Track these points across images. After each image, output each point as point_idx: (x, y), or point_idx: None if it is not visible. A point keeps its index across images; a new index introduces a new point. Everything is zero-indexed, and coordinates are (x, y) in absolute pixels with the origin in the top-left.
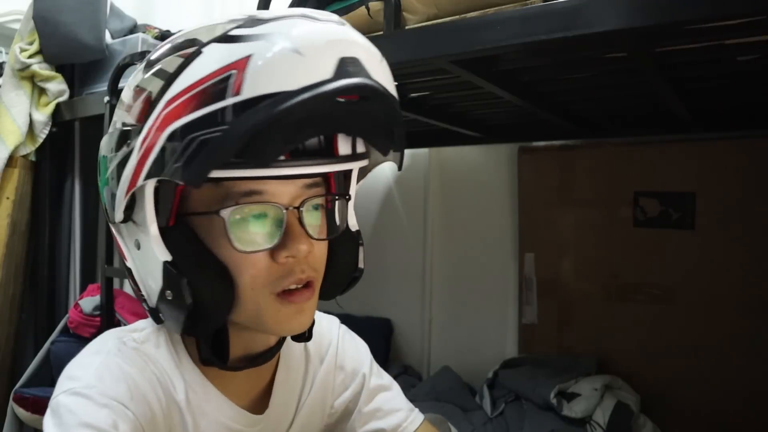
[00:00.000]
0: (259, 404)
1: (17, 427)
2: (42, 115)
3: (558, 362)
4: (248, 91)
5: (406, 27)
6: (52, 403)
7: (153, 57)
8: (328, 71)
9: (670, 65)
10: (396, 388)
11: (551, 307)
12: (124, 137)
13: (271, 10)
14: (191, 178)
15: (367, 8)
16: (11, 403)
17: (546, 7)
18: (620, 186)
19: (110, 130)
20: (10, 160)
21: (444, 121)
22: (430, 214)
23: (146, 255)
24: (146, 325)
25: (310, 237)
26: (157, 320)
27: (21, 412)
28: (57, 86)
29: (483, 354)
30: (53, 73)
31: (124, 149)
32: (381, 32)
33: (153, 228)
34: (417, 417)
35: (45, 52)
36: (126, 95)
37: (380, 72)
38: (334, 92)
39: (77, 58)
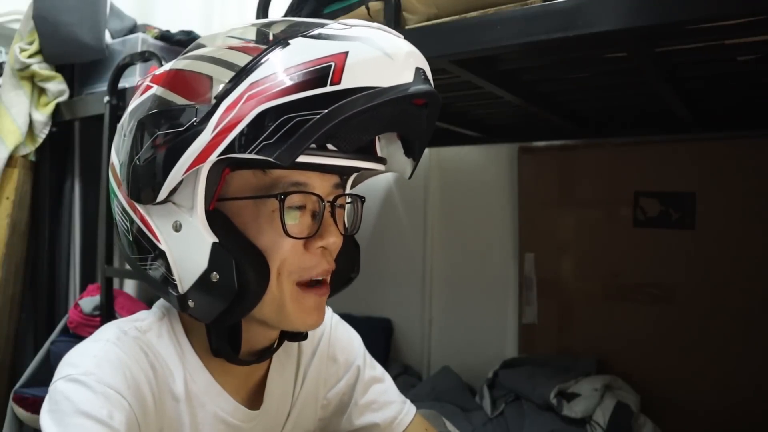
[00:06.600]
0: (255, 399)
1: (17, 427)
2: (42, 115)
3: (558, 362)
4: (347, 82)
5: (406, 27)
6: (50, 388)
7: (191, 53)
8: (409, 76)
9: (670, 65)
10: (388, 379)
11: (551, 307)
12: (175, 114)
13: (346, 21)
14: (284, 156)
15: (367, 8)
16: (11, 403)
17: (546, 7)
18: (620, 186)
19: (146, 106)
20: (10, 160)
21: (444, 121)
22: (430, 214)
23: (188, 237)
24: (147, 315)
25: (340, 231)
26: (183, 307)
27: (21, 412)
28: (57, 86)
29: (483, 354)
30: (53, 73)
31: (183, 127)
32: None
33: (201, 209)
34: (410, 409)
35: (45, 52)
36: (160, 76)
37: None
38: (416, 94)
39: (77, 58)
